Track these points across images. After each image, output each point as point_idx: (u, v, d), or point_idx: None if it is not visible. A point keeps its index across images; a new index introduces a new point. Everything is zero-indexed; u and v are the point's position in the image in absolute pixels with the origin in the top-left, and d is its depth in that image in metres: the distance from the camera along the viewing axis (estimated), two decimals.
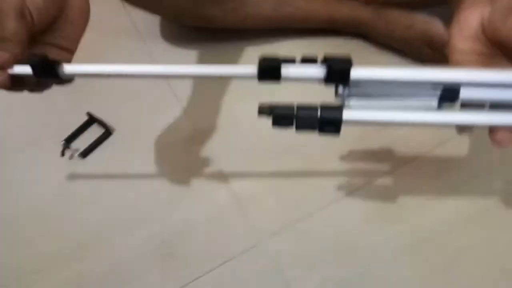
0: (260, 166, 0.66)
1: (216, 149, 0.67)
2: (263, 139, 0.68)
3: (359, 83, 0.34)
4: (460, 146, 0.66)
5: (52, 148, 0.67)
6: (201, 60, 0.75)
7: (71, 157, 0.67)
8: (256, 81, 0.35)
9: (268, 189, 0.64)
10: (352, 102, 0.34)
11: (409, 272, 0.58)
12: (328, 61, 0.32)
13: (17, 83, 0.38)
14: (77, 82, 0.70)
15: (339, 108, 0.34)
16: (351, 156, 0.66)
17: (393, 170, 0.65)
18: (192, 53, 0.76)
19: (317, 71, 0.33)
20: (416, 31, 0.70)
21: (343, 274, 0.58)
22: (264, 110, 0.34)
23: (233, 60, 0.75)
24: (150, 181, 0.65)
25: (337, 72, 0.32)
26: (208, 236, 0.61)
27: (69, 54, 0.44)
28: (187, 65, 0.36)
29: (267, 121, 0.66)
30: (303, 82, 0.34)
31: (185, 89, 0.73)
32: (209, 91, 0.73)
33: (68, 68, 0.37)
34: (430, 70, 0.33)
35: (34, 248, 0.61)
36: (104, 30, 0.79)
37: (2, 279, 0.60)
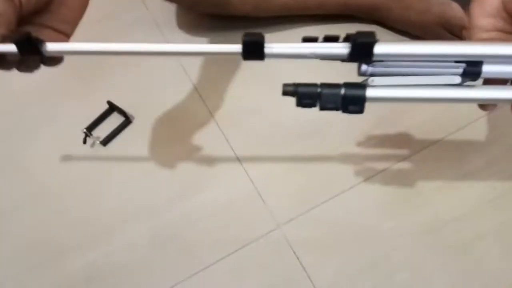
0: (277, 151, 0.67)
1: (234, 135, 0.68)
2: (280, 124, 0.68)
3: (382, 61, 0.34)
4: (479, 131, 0.67)
5: (74, 135, 0.68)
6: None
7: (92, 144, 0.68)
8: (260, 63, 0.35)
9: (286, 174, 0.65)
10: (376, 80, 0.35)
11: (428, 257, 0.58)
12: (351, 38, 0.32)
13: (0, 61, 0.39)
14: (97, 71, 0.73)
15: (363, 86, 0.34)
16: (368, 141, 0.67)
17: (411, 155, 0.65)
18: (208, 42, 0.77)
19: (341, 48, 0.33)
20: (432, 14, 0.70)
21: (361, 260, 0.59)
22: (288, 90, 0.35)
23: None
24: (168, 168, 0.66)
25: (361, 48, 0.32)
26: (226, 221, 0.62)
27: (65, 37, 0.45)
28: (173, 44, 0.37)
29: (284, 106, 0.67)
30: (327, 60, 0.34)
31: (202, 77, 0.73)
32: (226, 78, 0.73)
33: (50, 46, 0.37)
34: (453, 45, 0.34)
35: (49, 233, 0.63)
36: (120, 20, 0.80)
37: (22, 260, 0.61)
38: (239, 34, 0.79)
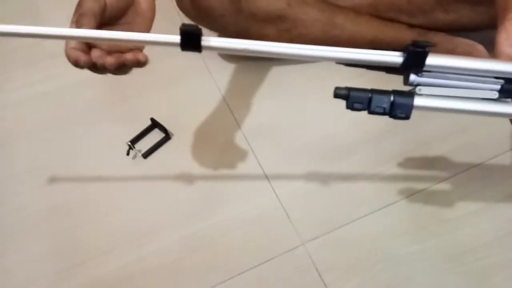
0: (305, 171, 0.70)
1: (264, 154, 0.72)
2: (309, 145, 0.72)
3: (431, 71, 0.38)
4: (506, 163, 0.69)
5: (119, 148, 0.72)
6: (253, 76, 0.81)
7: (134, 156, 0.72)
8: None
9: (312, 194, 0.68)
10: (423, 90, 0.38)
11: (447, 283, 0.60)
12: (406, 47, 0.36)
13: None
14: (141, 92, 0.77)
15: (411, 94, 0.38)
16: (395, 166, 0.69)
17: (437, 182, 0.68)
18: (246, 69, 0.82)
19: (396, 57, 0.37)
20: (458, 54, 0.74)
21: (381, 281, 0.60)
22: (340, 93, 0.38)
23: (283, 76, 0.80)
24: (201, 182, 0.69)
25: (415, 56, 0.36)
26: (252, 235, 0.65)
27: None
28: (116, 32, 0.39)
29: (314, 127, 0.70)
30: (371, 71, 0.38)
31: (236, 99, 0.78)
32: (259, 101, 0.78)
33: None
34: (497, 62, 0.37)
35: (88, 236, 0.66)
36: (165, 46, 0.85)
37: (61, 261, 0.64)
38: (275, 63, 0.84)
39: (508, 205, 0.65)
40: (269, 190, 0.68)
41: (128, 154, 0.71)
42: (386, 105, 0.37)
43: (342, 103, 0.70)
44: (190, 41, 0.38)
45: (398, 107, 0.37)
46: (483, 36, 0.74)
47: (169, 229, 0.65)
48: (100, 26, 0.45)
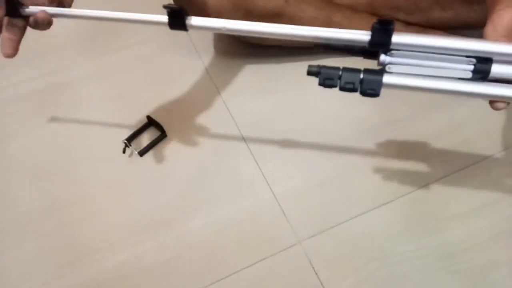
0: (302, 169, 0.69)
1: (261, 154, 0.72)
2: (306, 143, 0.72)
3: (400, 50, 0.37)
4: (501, 163, 0.68)
5: (115, 146, 0.73)
6: (250, 73, 0.82)
7: (130, 154, 0.73)
8: None
9: (310, 192, 0.67)
10: (393, 68, 0.38)
11: (442, 282, 0.59)
12: (372, 26, 0.36)
13: None
14: (139, 89, 0.79)
15: (381, 72, 0.38)
16: (393, 165, 0.69)
17: (435, 181, 0.67)
18: (243, 66, 0.82)
19: (363, 35, 0.37)
20: None
21: (377, 279, 0.59)
22: (312, 70, 0.38)
23: (280, 73, 0.81)
24: (197, 180, 0.69)
25: (381, 34, 0.36)
26: (249, 234, 0.64)
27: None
28: (110, 11, 0.43)
29: (312, 126, 0.70)
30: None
31: (234, 97, 0.79)
32: (255, 101, 0.78)
33: (30, 9, 0.45)
34: (464, 40, 0.37)
35: (84, 233, 0.66)
36: (162, 44, 0.87)
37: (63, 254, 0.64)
38: (273, 60, 0.84)
39: (504, 204, 0.64)
40: (265, 188, 0.68)
41: (124, 152, 0.72)
42: (355, 81, 0.38)
43: (339, 101, 0.72)
44: (177, 20, 0.41)
45: (367, 84, 0.37)
46: (480, 33, 0.73)
47: (164, 227, 0.65)
48: None
